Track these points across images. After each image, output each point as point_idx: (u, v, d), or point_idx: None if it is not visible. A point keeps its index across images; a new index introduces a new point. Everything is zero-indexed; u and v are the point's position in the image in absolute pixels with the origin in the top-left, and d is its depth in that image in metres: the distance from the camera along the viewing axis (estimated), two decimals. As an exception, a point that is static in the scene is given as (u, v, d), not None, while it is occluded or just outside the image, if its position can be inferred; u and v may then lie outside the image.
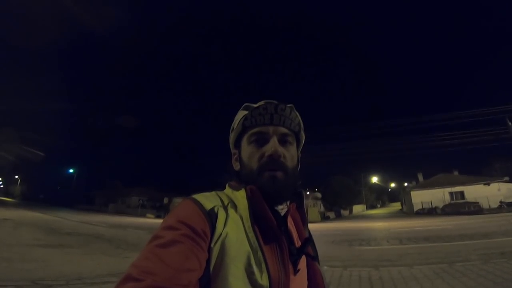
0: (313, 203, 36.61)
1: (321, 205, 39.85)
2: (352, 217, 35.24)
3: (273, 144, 0.62)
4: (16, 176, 57.46)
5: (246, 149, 0.65)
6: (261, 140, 0.64)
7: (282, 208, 0.64)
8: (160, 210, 34.58)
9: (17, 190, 55.63)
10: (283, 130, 0.65)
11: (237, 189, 0.63)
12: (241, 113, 0.70)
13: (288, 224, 0.66)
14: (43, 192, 55.45)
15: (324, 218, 31.81)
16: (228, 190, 0.65)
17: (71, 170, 50.26)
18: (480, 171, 37.14)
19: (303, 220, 0.71)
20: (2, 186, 60.00)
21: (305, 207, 0.70)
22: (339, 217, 35.35)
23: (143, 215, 32.62)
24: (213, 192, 0.62)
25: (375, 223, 19.79)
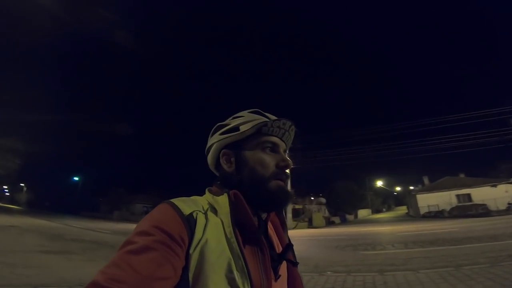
0: (317, 208, 36.28)
1: (326, 210, 39.48)
2: (358, 221, 34.79)
3: (286, 156, 0.67)
4: (22, 184, 58.07)
5: (258, 153, 0.64)
6: (273, 150, 0.66)
7: (263, 214, 0.64)
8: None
9: (23, 197, 56.06)
10: (285, 147, 0.70)
11: (218, 194, 0.61)
12: (253, 116, 0.68)
13: (268, 229, 0.66)
14: (48, 199, 55.60)
15: (329, 223, 31.47)
16: (208, 195, 0.63)
17: (76, 178, 50.92)
18: (487, 173, 36.67)
19: (283, 225, 0.72)
20: (8, 194, 60.53)
21: (283, 212, 0.73)
22: (344, 222, 34.91)
23: (147, 221, 32.59)
24: (192, 197, 0.60)
25: (381, 227, 19.47)
